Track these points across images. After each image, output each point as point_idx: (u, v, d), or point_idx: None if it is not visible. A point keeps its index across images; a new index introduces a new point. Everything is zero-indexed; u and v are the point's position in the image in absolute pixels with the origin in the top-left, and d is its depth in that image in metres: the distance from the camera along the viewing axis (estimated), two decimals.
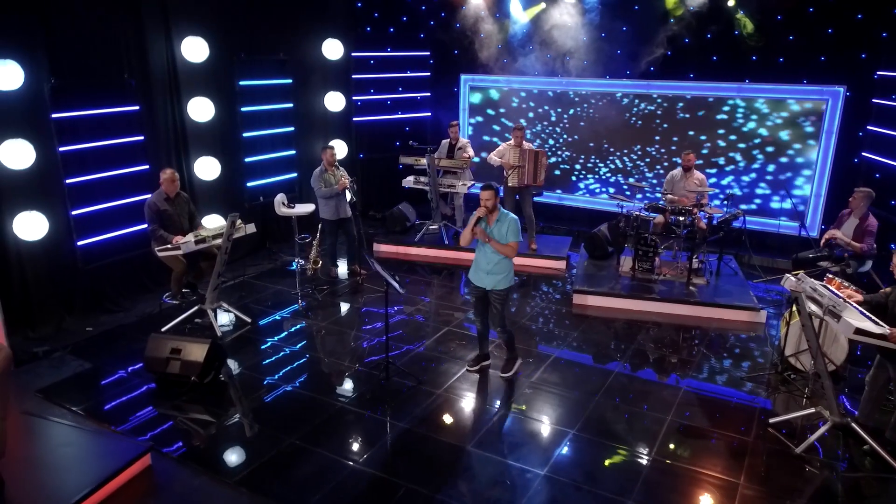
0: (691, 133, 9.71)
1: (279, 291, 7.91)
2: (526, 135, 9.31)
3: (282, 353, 6.36)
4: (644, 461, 4.76)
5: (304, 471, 4.59)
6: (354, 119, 10.56)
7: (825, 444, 4.91)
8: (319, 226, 8.04)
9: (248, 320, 6.98)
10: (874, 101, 8.53)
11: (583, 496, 4.38)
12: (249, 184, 8.96)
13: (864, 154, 8.75)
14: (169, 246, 6.39)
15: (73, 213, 6.83)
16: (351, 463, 4.67)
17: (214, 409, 5.39)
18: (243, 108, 8.64)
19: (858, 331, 4.26)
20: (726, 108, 9.44)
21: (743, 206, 9.19)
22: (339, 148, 10.03)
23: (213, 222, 8.03)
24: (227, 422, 5.21)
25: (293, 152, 9.53)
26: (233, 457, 4.79)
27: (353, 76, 10.37)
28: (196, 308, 6.86)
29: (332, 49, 9.68)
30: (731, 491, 4.44)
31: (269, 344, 6.56)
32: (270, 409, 5.41)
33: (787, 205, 9.13)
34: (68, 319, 6.91)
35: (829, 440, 4.92)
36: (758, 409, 5.49)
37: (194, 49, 7.68)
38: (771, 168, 9.29)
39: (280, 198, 8.64)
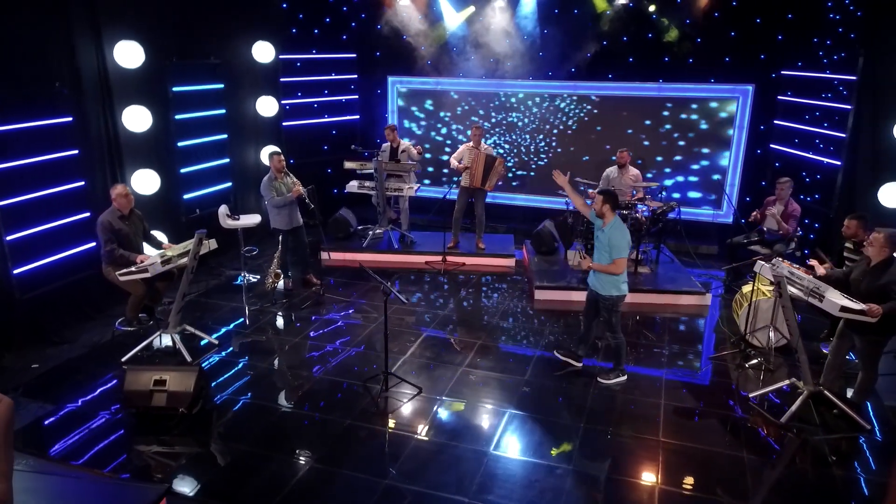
0: (624, 131, 10.26)
1: (236, 308, 7.51)
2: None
3: (263, 375, 6.08)
4: (659, 443, 5.04)
5: (335, 495, 4.45)
6: (284, 124, 10.19)
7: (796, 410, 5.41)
8: (280, 237, 7.70)
9: (216, 342, 6.59)
10: (779, 97, 9.47)
11: (612, 485, 4.59)
12: (186, 196, 8.41)
13: (771, 146, 9.69)
14: (133, 269, 5.88)
15: (7, 238, 6.12)
16: (384, 481, 4.58)
17: (213, 440, 5.07)
18: (177, 116, 8.09)
19: (843, 308, 4.78)
20: (649, 107, 10.07)
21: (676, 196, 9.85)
22: None
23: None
24: (233, 452, 4.92)
25: (227, 160, 9.06)
26: (253, 488, 4.54)
27: (281, 79, 10.00)
28: (158, 333, 6.38)
29: (263, 52, 9.28)
30: (737, 464, 4.82)
31: (245, 365, 6.24)
32: (275, 434, 5.16)
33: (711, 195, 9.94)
34: (7, 357, 6.18)
35: (801, 406, 5.43)
36: (733, 386, 5.98)
37: (128, 54, 7.10)
38: (694, 164, 10.03)
39: (223, 209, 8.23)
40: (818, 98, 8.82)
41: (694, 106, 9.86)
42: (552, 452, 4.92)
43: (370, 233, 9.46)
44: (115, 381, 5.84)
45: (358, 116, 11.30)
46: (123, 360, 6.15)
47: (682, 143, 10.02)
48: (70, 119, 6.63)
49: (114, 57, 7.05)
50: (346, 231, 9.63)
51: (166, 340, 6.43)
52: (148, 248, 6.68)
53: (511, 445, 5.03)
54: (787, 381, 5.62)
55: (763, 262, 5.57)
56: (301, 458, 4.83)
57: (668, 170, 10.13)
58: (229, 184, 9.14)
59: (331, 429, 5.21)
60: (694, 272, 8.68)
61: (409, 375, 5.99)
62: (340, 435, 5.12)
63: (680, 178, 10.13)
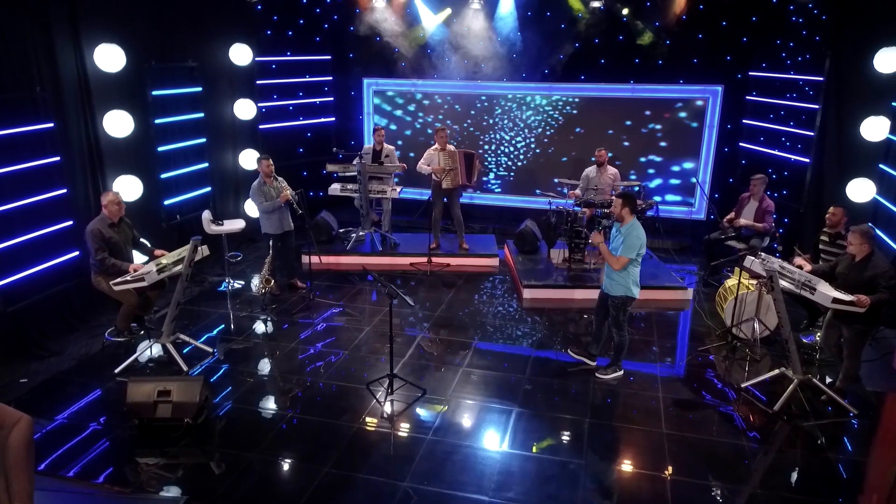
0: (601, 131, 10.47)
1: (225, 315, 7.40)
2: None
3: (263, 381, 6.03)
4: (663, 435, 5.21)
5: (357, 499, 4.46)
6: (260, 127, 10.06)
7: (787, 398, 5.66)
8: (271, 242, 7.63)
9: (211, 350, 6.48)
10: (747, 97, 9.83)
11: (623, 477, 4.73)
12: (166, 202, 8.23)
13: (740, 144, 10.06)
14: (128, 278, 5.74)
15: None
16: (403, 483, 4.61)
17: (223, 450, 5.00)
18: (157, 121, 7.91)
19: (835, 300, 5.03)
20: (623, 108, 10.33)
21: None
22: (253, 158, 9.56)
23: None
24: (247, 461, 4.86)
25: (206, 165, 8.90)
26: (274, 497, 4.51)
27: (257, 82, 9.88)
28: (151, 343, 6.25)
29: (240, 54, 9.15)
30: (739, 452, 5.03)
31: (243, 372, 6.16)
32: (286, 441, 5.12)
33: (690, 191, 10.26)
34: None
35: (791, 394, 5.68)
36: (725, 376, 6.22)
37: (109, 57, 6.91)
38: (666, 162, 10.33)
39: (207, 215, 8.13)
40: (784, 98, 9.21)
41: (666, 106, 10.14)
42: (558, 448, 5.04)
43: (353, 235, 9.44)
44: (110, 394, 5.70)
45: (333, 119, 11.24)
46: (117, 371, 6.02)
47: (655, 142, 10.30)
48: (52, 125, 6.42)
49: (94, 60, 6.85)
50: (327, 234, 9.56)
51: (156, 349, 6.31)
52: (138, 257, 6.54)
53: (522, 442, 5.12)
54: (777, 371, 5.86)
55: (753, 258, 5.80)
56: (316, 463, 4.80)
57: (647, 169, 10.39)
58: (208, 188, 8.98)
59: (341, 433, 5.20)
60: (673, 267, 8.95)
61: (410, 377, 6.01)
62: (351, 439, 5.12)
63: (651, 172, 10.40)
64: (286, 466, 4.81)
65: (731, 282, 7.22)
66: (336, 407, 5.61)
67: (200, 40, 8.58)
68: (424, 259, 9.03)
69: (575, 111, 10.55)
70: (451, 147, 8.94)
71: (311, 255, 7.92)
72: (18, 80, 6.11)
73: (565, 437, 5.20)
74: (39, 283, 6.44)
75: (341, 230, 9.77)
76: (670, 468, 4.79)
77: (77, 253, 6.82)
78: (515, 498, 4.47)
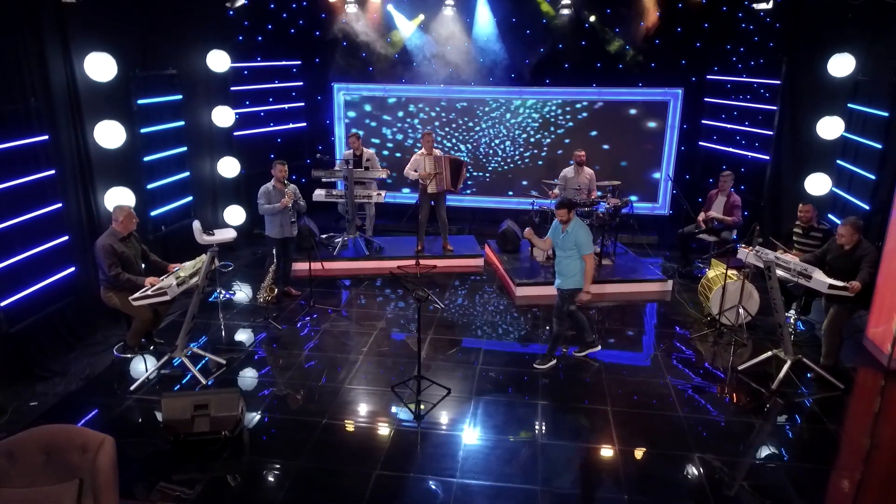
0: (572, 133, 10.90)
1: (228, 326, 7.33)
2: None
3: (287, 391, 6.04)
4: (681, 421, 5.59)
5: (414, 497, 4.60)
6: (235, 134, 9.91)
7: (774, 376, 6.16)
8: (274, 249, 7.60)
9: (223, 362, 6.42)
10: (705, 99, 10.49)
11: (655, 459, 5.08)
12: (152, 213, 8.03)
13: (700, 143, 10.71)
14: (149, 292, 5.62)
15: None
16: (454, 479, 4.78)
17: (269, 460, 5.01)
18: (142, 130, 7.72)
19: (831, 286, 5.56)
20: (589, 110, 10.79)
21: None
22: (231, 166, 9.44)
23: None
24: (297, 469, 4.90)
25: (188, 174, 8.72)
26: (338, 501, 4.58)
27: (231, 88, 9.73)
28: (166, 358, 6.14)
29: (218, 60, 8.99)
30: (748, 427, 5.49)
31: (263, 382, 6.16)
32: (327, 447, 5.18)
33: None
34: None
35: (776, 372, 6.16)
36: (720, 361, 6.70)
37: (99, 66, 6.70)
38: (632, 162, 10.86)
39: (197, 226, 8.01)
40: (740, 100, 9.89)
41: (630, 108, 10.67)
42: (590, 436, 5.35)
43: (338, 241, 9.47)
44: (132, 412, 5.60)
45: (305, 124, 11.19)
46: (133, 388, 5.90)
47: (620, 143, 10.81)
48: (46, 137, 6.19)
49: (84, 69, 6.64)
50: (311, 241, 9.53)
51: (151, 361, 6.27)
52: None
53: (556, 433, 5.39)
54: (770, 353, 6.37)
55: (747, 250, 6.30)
56: (365, 467, 4.90)
57: (614, 169, 10.87)
58: (190, 198, 8.80)
59: (378, 436, 5.32)
60: (648, 261, 9.45)
61: (431, 376, 6.17)
62: (391, 441, 5.25)
63: (617, 171, 10.90)
64: (337, 471, 4.88)
65: (711, 273, 7.74)
66: (366, 410, 5.71)
67: (179, 47, 8.41)
68: (412, 262, 9.16)
69: (543, 114, 10.93)
70: (437, 152, 9.12)
71: (313, 261, 7.94)
72: (13, 92, 5.86)
73: (593, 424, 5.50)
74: (39, 301, 6.20)
75: (323, 236, 9.78)
76: (694, 447, 5.18)
77: (73, 269, 6.60)
78: (564, 487, 4.73)
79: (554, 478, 4.82)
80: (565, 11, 10.18)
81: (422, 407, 5.74)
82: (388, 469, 4.89)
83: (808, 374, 6.28)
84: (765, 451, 5.20)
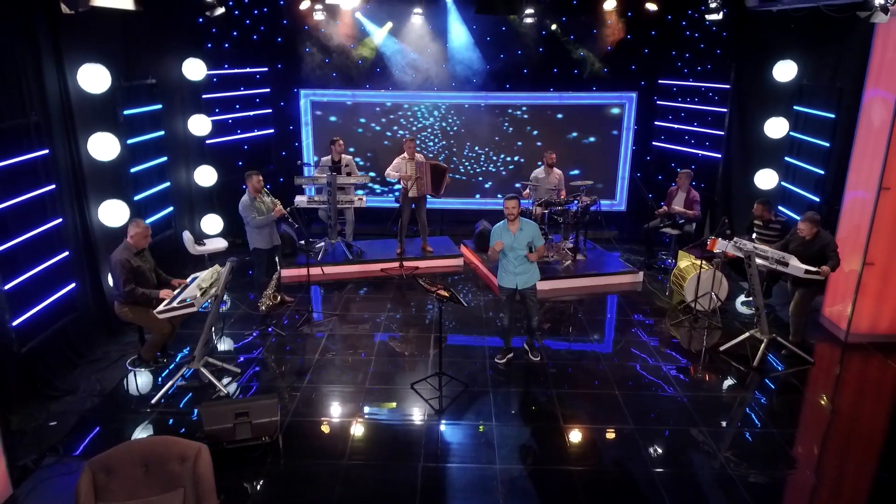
0: (533, 135, 11.39)
1: (231, 335, 7.36)
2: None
3: (310, 395, 6.17)
4: (682, 399, 6.14)
5: (465, 486, 4.90)
6: (207, 142, 9.80)
7: (753, 354, 6.81)
8: (266, 258, 7.65)
9: (237, 370, 6.48)
10: (658, 102, 11.23)
11: (668, 436, 5.60)
12: None
13: (652, 143, 11.46)
14: (175, 304, 5.62)
15: (5, 287, 5.51)
16: (495, 465, 5.11)
17: (316, 462, 5.17)
18: (128, 141, 7.59)
19: (807, 271, 6.25)
20: (547, 113, 11.34)
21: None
22: (209, 175, 9.35)
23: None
24: (346, 468, 5.07)
25: (168, 184, 8.60)
26: (392, 495, 4.80)
27: (203, 96, 9.63)
28: (185, 368, 6.15)
29: (194, 69, 8.89)
30: (742, 401, 6.11)
31: (281, 388, 6.26)
32: (367, 445, 5.41)
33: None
34: (14, 419, 5.55)
35: (753, 350, 6.85)
36: (700, 343, 7.34)
37: (92, 78, 6.57)
38: (590, 161, 11.47)
39: (188, 236, 7.97)
40: (689, 102, 10.68)
41: (588, 111, 11.29)
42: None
43: (319, 246, 9.57)
44: (160, 426, 5.60)
45: (272, 131, 11.16)
46: (153, 401, 5.89)
47: (579, 143, 11.42)
48: (47, 151, 6.06)
49: (77, 81, 6.51)
50: (291, 247, 9.61)
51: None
52: None
53: (576, 417, 5.81)
54: (747, 333, 7.04)
55: (726, 242, 6.93)
56: (410, 461, 5.16)
57: (572, 170, 11.46)
58: (171, 208, 8.68)
59: (413, 430, 5.59)
60: (615, 255, 10.08)
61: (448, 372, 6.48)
62: (425, 434, 5.52)
63: (575, 172, 11.52)
64: (385, 466, 5.11)
65: (683, 263, 8.40)
66: (393, 408, 5.96)
67: (156, 57, 8.28)
68: (395, 264, 9.42)
69: (506, 118, 11.38)
70: (419, 156, 9.38)
71: (312, 266, 8.05)
72: (13, 106, 5.72)
73: (606, 407, 5.97)
74: (45, 319, 6.07)
75: (301, 242, 9.84)
76: (697, 422, 5.74)
77: (74, 285, 6.47)
78: (596, 465, 5.16)
79: (586, 458, 5.24)
80: (528, 20, 10.64)
81: (444, 402, 6.03)
82: (432, 461, 5.16)
83: (783, 351, 6.99)
84: (752, 421, 5.82)
